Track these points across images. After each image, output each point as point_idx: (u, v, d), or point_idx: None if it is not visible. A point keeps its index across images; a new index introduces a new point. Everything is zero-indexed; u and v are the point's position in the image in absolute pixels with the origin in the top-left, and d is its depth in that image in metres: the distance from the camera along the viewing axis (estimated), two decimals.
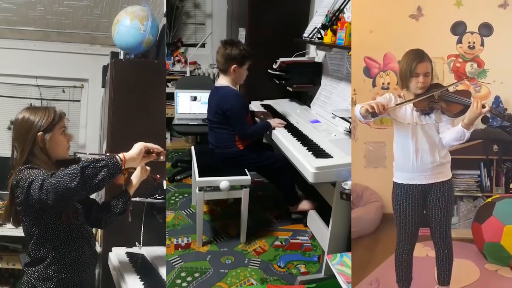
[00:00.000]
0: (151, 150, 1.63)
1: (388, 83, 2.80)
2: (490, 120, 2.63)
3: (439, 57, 2.72)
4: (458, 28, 2.68)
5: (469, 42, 2.67)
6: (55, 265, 1.61)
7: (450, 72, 2.74)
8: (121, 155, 1.53)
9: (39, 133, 1.59)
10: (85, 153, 1.80)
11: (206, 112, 2.98)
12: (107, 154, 1.65)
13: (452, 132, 1.75)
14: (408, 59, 1.76)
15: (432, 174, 1.80)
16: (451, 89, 1.82)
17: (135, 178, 1.81)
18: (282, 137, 2.64)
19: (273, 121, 2.85)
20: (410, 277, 1.92)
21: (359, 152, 2.88)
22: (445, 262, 1.89)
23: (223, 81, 2.79)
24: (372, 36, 2.76)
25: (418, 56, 1.75)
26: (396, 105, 1.76)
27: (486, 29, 2.65)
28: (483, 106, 1.67)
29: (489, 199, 2.49)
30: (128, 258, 2.12)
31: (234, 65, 2.71)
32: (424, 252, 2.31)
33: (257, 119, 3.06)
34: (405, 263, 1.89)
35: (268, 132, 2.83)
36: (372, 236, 2.70)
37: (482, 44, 2.67)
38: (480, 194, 2.69)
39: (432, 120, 1.79)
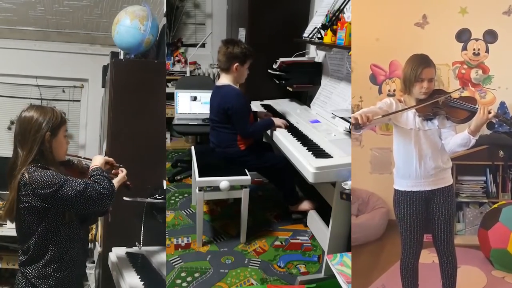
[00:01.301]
0: (108, 162, 1.84)
1: (394, 90, 2.83)
2: (496, 126, 2.63)
3: (444, 64, 2.75)
4: (463, 35, 2.70)
5: (474, 49, 2.70)
6: (54, 263, 1.63)
7: (455, 78, 2.77)
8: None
9: (47, 133, 1.63)
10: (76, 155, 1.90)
11: (206, 112, 2.98)
12: (83, 157, 1.88)
13: (457, 138, 1.74)
14: (413, 64, 1.74)
15: (435, 180, 1.79)
16: (456, 95, 1.81)
17: (117, 182, 1.83)
18: (282, 137, 2.64)
19: (277, 120, 2.84)
20: (416, 284, 1.89)
21: (365, 158, 2.90)
22: (449, 269, 1.86)
23: (224, 80, 2.79)
24: (378, 44, 2.80)
25: (424, 61, 1.74)
26: (397, 111, 1.73)
27: (490, 36, 2.67)
28: (489, 112, 1.67)
29: (495, 205, 2.48)
30: (128, 258, 2.13)
31: (236, 64, 2.71)
32: (430, 258, 2.28)
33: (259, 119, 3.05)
34: (411, 271, 1.86)
35: (269, 132, 2.83)
36: (378, 242, 2.69)
37: (487, 51, 2.70)
38: (486, 200, 2.68)
39: (435, 126, 1.77)
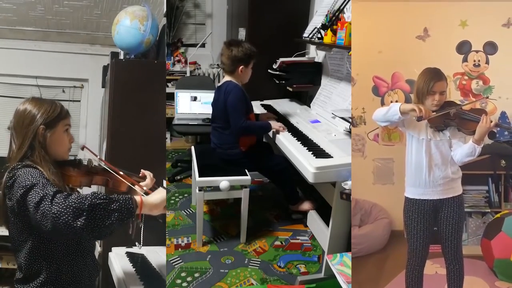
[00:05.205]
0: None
1: (396, 101, 2.86)
2: (497, 135, 2.65)
3: (445, 75, 2.82)
4: (463, 47, 2.76)
5: (474, 61, 2.75)
6: (51, 284, 1.45)
7: (456, 89, 2.82)
8: (138, 198, 1.35)
9: (41, 127, 1.48)
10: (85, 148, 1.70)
11: (206, 112, 2.98)
12: (121, 172, 1.60)
13: (464, 148, 1.78)
14: (426, 77, 1.79)
15: (444, 189, 1.82)
16: (467, 107, 1.85)
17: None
18: (282, 137, 2.63)
19: (274, 124, 2.80)
20: None
21: (368, 169, 2.94)
22: (457, 278, 1.88)
23: (227, 79, 2.78)
24: (381, 56, 2.86)
25: (436, 75, 1.79)
26: (432, 115, 1.77)
27: (490, 48, 2.73)
28: (491, 121, 1.71)
29: (498, 215, 2.49)
30: (128, 258, 2.12)
31: (241, 66, 2.70)
32: (433, 269, 2.29)
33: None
34: (416, 279, 1.89)
35: (271, 133, 2.82)
36: (381, 253, 2.70)
37: (487, 62, 2.75)
38: (489, 210, 2.69)
39: (446, 136, 1.82)
